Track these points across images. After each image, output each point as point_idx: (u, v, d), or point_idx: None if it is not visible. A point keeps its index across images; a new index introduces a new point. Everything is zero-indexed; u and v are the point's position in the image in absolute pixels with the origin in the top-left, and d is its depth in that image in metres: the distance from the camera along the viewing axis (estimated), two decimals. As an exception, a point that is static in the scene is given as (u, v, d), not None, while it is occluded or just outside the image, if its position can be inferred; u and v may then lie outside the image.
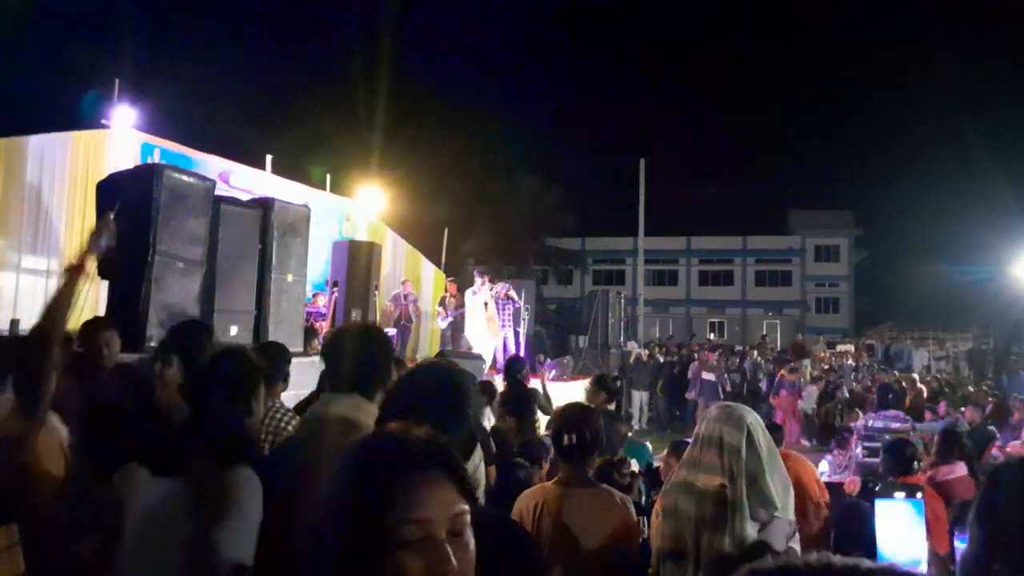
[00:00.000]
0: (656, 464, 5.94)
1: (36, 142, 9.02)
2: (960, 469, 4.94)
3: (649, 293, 30.52)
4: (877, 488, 3.63)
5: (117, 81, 10.24)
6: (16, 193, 8.73)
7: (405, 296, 13.66)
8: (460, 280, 15.04)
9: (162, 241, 6.56)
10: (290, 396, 4.03)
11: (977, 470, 5.18)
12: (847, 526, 3.98)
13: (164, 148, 10.66)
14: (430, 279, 16.69)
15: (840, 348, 24.83)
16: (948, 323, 34.32)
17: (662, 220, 33.89)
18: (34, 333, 2.45)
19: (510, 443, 4.88)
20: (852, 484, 5.38)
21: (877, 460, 6.00)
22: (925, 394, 13.59)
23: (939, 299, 35.46)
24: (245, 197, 9.13)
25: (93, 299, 6.82)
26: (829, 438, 11.47)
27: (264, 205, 8.19)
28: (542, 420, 6.42)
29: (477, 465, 2.61)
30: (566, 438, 2.95)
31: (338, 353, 2.42)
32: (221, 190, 8.57)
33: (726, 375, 15.52)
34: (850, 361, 20.54)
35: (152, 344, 6.20)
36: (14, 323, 7.19)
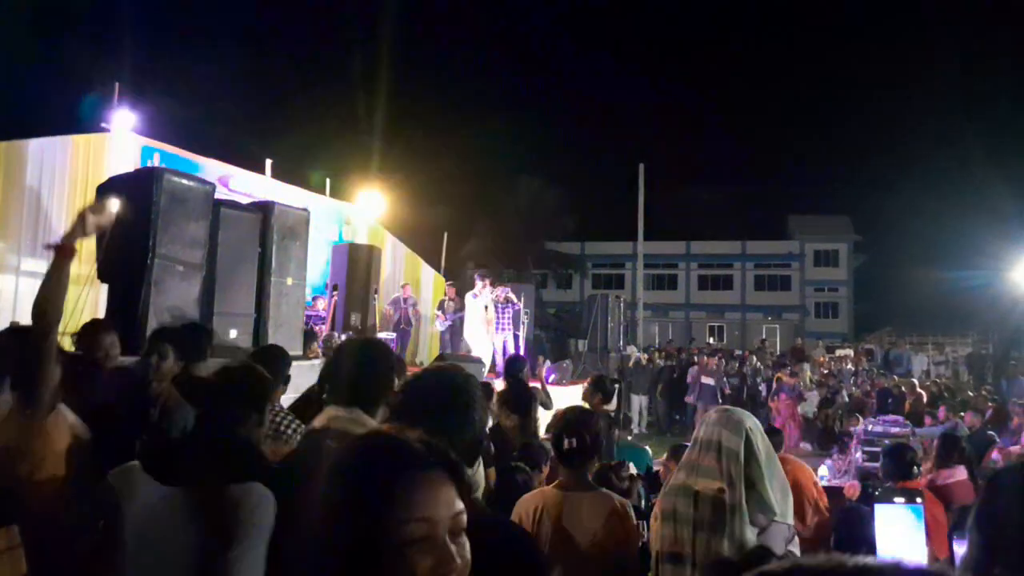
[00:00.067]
0: (656, 468, 5.94)
1: (36, 145, 9.02)
2: (960, 473, 4.94)
3: (649, 297, 30.53)
4: (877, 493, 3.63)
5: (117, 84, 10.26)
6: (16, 196, 8.73)
7: (404, 300, 13.66)
8: (459, 284, 15.03)
9: (162, 244, 6.56)
10: (288, 400, 4.04)
11: (977, 475, 5.18)
12: (847, 530, 3.98)
13: (164, 151, 10.67)
14: (429, 283, 16.69)
15: (839, 353, 24.83)
16: (947, 328, 34.35)
17: (662, 224, 33.99)
18: (32, 325, 2.44)
19: (512, 442, 4.87)
20: (852, 488, 5.38)
21: (877, 465, 6.00)
22: (925, 399, 13.58)
23: (938, 304, 35.45)
24: (245, 201, 9.13)
25: (93, 301, 6.83)
26: (829, 442, 11.48)
27: (264, 209, 8.20)
28: (542, 421, 6.42)
29: (476, 468, 2.60)
30: (566, 442, 2.95)
31: (341, 367, 2.41)
32: (221, 194, 8.57)
33: (725, 379, 15.53)
34: (849, 366, 20.54)
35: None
36: (13, 325, 7.19)
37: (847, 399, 14.91)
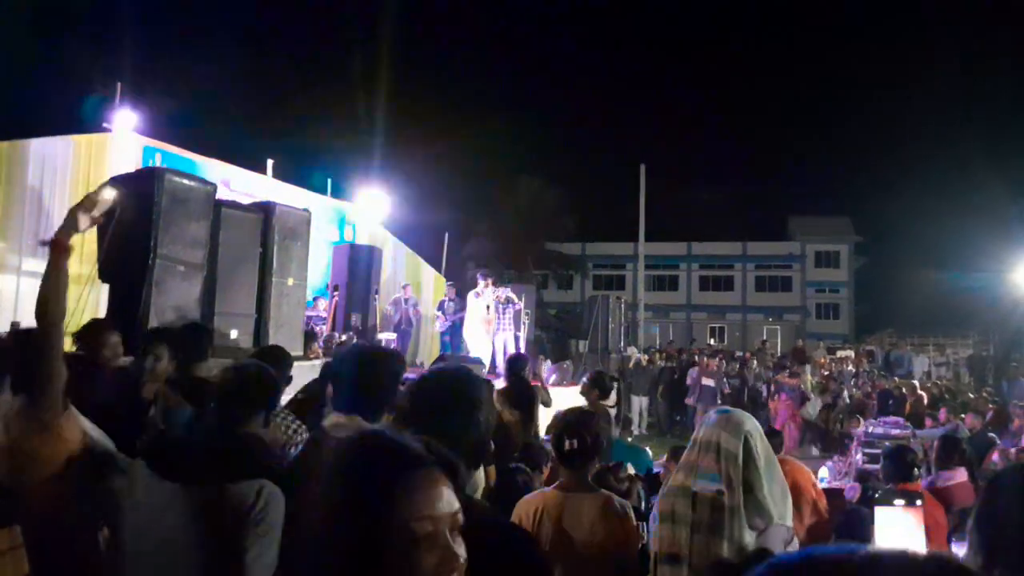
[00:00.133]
0: (657, 470, 5.94)
1: (38, 145, 9.03)
2: (960, 475, 4.94)
3: (650, 298, 30.51)
4: (877, 495, 3.62)
5: (119, 84, 10.27)
6: (17, 196, 8.74)
7: (405, 300, 13.66)
8: (460, 284, 15.03)
9: (163, 244, 6.57)
10: (285, 400, 4.04)
11: (977, 476, 5.18)
12: (847, 532, 3.98)
13: (166, 152, 10.68)
14: (430, 283, 16.70)
15: (840, 354, 24.79)
16: (948, 329, 34.30)
17: (663, 225, 33.93)
18: (36, 324, 2.43)
19: (514, 438, 4.87)
20: (852, 490, 5.38)
21: (877, 466, 5.99)
22: (925, 400, 13.56)
23: (939, 305, 35.43)
24: (246, 201, 9.14)
25: (94, 301, 6.83)
26: (832, 445, 11.47)
27: (265, 209, 8.21)
28: (543, 420, 6.43)
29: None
30: (567, 443, 2.96)
31: (346, 374, 2.41)
32: (222, 194, 8.57)
33: (725, 380, 15.52)
34: (850, 367, 20.51)
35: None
36: (14, 326, 7.19)
37: (848, 400, 14.90)
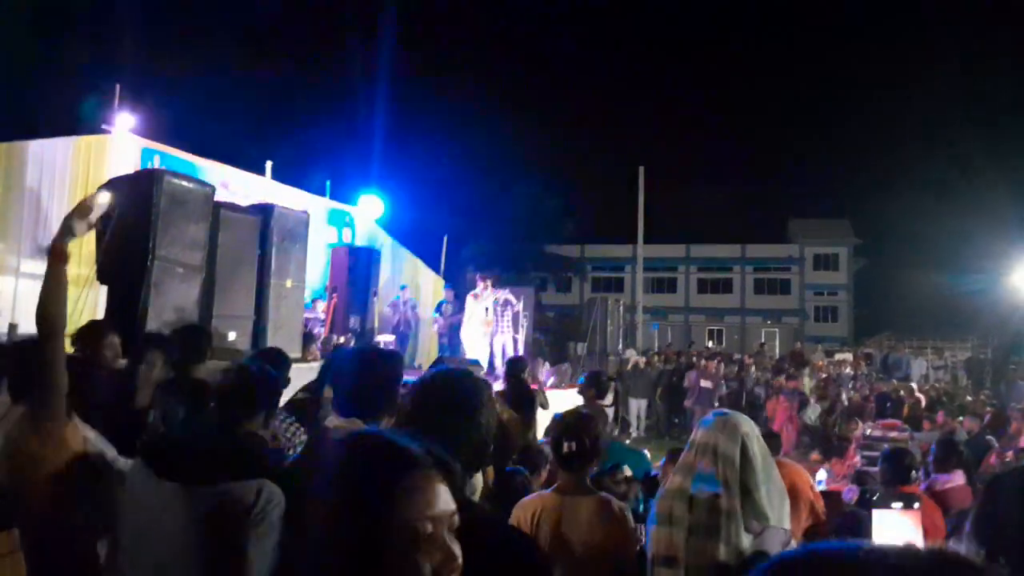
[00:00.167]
0: (655, 472, 5.94)
1: (37, 146, 9.04)
2: (958, 479, 4.94)
3: (648, 300, 30.52)
4: (875, 498, 3.63)
5: (118, 86, 10.27)
6: (16, 197, 8.74)
7: (404, 302, 13.65)
8: (459, 286, 15.03)
9: (162, 246, 6.57)
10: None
11: (975, 480, 5.18)
12: (845, 535, 3.98)
13: (164, 153, 10.68)
14: (429, 285, 16.70)
15: (839, 357, 24.80)
16: (947, 332, 34.31)
17: (661, 228, 33.99)
18: (37, 331, 2.43)
19: (513, 440, 4.87)
20: (850, 493, 5.38)
21: (874, 468, 6.00)
22: (923, 403, 13.58)
23: (938, 308, 35.47)
24: (245, 203, 9.14)
25: (92, 303, 6.83)
26: (831, 448, 11.46)
27: (264, 211, 8.21)
28: (540, 423, 6.44)
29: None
30: (565, 445, 2.96)
31: (346, 376, 2.41)
32: (221, 196, 8.58)
33: (723, 383, 15.51)
34: (848, 370, 20.51)
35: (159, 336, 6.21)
36: (12, 327, 7.19)
37: (846, 403, 14.91)
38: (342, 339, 10.79)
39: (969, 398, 15.75)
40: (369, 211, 15.53)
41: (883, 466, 4.52)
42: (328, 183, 14.88)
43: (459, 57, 63.46)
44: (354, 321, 11.88)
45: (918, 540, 3.01)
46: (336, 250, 13.12)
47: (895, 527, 3.02)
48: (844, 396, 15.53)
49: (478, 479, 2.84)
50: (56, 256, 2.46)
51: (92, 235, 6.48)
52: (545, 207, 37.02)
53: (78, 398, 2.54)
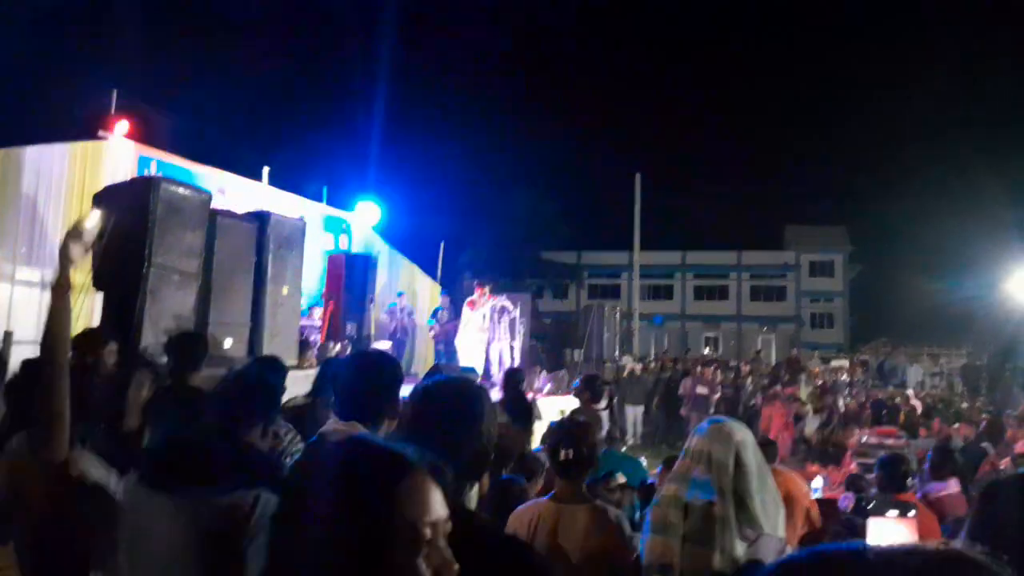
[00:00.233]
0: (652, 480, 5.93)
1: (32, 153, 9.02)
2: (952, 486, 4.95)
3: (644, 307, 30.55)
4: (870, 507, 3.63)
5: (114, 93, 10.27)
6: (12, 204, 8.73)
7: (401, 309, 13.64)
8: (456, 293, 15.03)
9: (158, 253, 6.56)
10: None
11: (970, 488, 5.18)
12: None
13: (161, 160, 10.68)
14: (426, 292, 16.69)
15: (835, 363, 24.82)
16: (942, 339, 34.39)
17: (658, 235, 34.05)
18: (41, 363, 2.39)
19: (510, 450, 4.87)
20: (846, 501, 5.38)
21: (870, 475, 6.00)
22: (919, 410, 13.60)
23: (933, 315, 35.56)
24: (241, 209, 9.14)
25: (88, 310, 6.81)
26: (828, 459, 11.45)
27: (260, 218, 8.21)
28: (536, 433, 6.43)
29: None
30: (562, 453, 2.96)
31: (345, 380, 2.40)
32: (218, 202, 8.58)
33: (720, 388, 15.51)
34: (844, 377, 20.53)
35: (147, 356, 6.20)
36: (7, 335, 7.17)
37: (843, 409, 14.91)
38: (338, 346, 10.78)
39: (965, 405, 15.78)
40: (366, 217, 15.54)
41: (879, 473, 4.53)
42: (325, 189, 14.92)
43: (456, 64, 63.70)
44: (351, 328, 11.87)
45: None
46: (333, 257, 13.12)
47: (891, 535, 3.03)
48: (840, 403, 15.53)
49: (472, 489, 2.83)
50: (61, 290, 2.40)
51: (99, 219, 6.47)
52: (542, 214, 37.10)
53: (77, 407, 2.53)
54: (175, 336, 4.46)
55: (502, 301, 12.73)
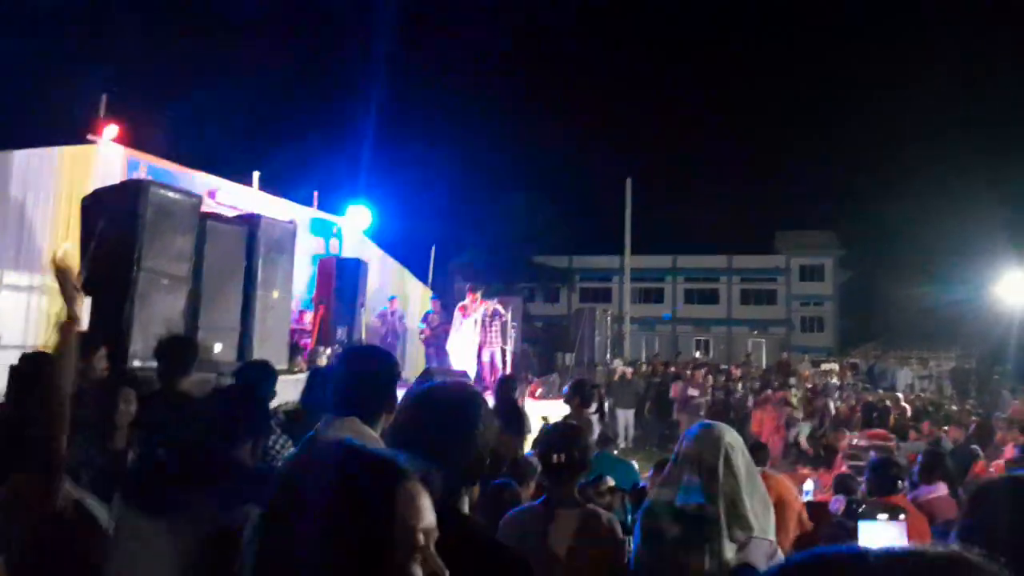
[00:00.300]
0: (643, 484, 5.93)
1: (21, 157, 8.97)
2: (941, 489, 4.96)
3: (635, 311, 30.60)
4: (860, 510, 3.64)
5: (104, 96, 10.22)
6: (0, 208, 8.67)
7: (392, 313, 13.61)
8: (447, 297, 15.02)
9: (147, 257, 6.54)
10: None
11: (960, 491, 5.20)
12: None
13: (151, 164, 10.62)
14: (417, 296, 16.67)
15: (825, 367, 24.94)
16: (932, 342, 34.57)
17: (648, 238, 34.09)
18: (44, 407, 2.33)
19: (503, 455, 4.86)
20: (837, 504, 5.39)
21: (860, 478, 6.02)
22: (909, 413, 13.66)
23: (923, 318, 35.72)
24: (231, 214, 9.11)
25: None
26: (819, 463, 11.51)
27: (250, 222, 8.19)
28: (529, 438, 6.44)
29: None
30: (555, 457, 2.95)
31: (340, 374, 2.38)
32: (207, 206, 8.54)
33: (710, 391, 15.55)
34: (835, 380, 20.63)
35: (136, 362, 6.16)
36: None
37: (833, 412, 14.97)
38: (328, 351, 10.75)
39: (954, 408, 15.87)
40: (357, 221, 15.50)
41: (869, 476, 4.54)
42: (316, 193, 14.87)
43: (446, 70, 63.67)
44: (341, 332, 11.84)
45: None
46: (323, 261, 13.09)
47: (881, 538, 3.03)
48: (831, 406, 15.60)
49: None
50: (69, 325, 2.32)
51: (76, 245, 6.44)
52: (533, 218, 37.14)
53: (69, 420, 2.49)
54: (165, 340, 4.44)
55: (494, 305, 12.72)
